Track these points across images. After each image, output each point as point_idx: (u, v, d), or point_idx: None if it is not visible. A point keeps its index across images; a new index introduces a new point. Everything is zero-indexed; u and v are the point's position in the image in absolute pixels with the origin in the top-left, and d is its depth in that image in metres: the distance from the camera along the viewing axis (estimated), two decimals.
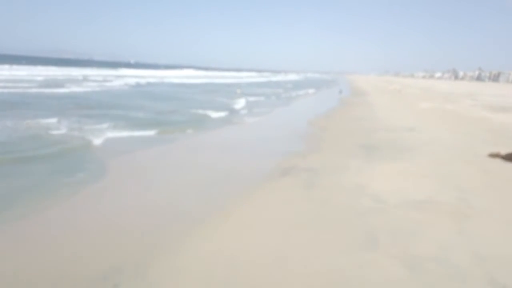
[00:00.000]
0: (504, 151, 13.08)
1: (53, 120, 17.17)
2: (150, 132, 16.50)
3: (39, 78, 47.60)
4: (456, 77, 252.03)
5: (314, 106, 35.85)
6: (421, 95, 51.80)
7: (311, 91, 60.16)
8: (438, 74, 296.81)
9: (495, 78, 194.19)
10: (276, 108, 30.21)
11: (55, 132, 14.91)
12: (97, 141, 13.74)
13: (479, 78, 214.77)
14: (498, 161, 12.42)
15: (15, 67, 71.88)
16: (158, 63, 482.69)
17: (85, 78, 45.06)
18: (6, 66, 69.82)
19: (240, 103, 31.30)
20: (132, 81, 55.16)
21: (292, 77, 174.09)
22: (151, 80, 62.34)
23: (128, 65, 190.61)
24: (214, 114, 23.32)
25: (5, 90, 31.41)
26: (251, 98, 37.24)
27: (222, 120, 21.97)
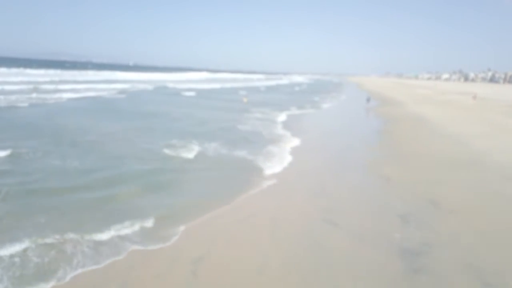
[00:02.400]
0: None
1: None
2: None
3: None
4: (466, 79, 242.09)
5: (353, 126, 26.70)
6: (494, 105, 42.34)
7: (333, 99, 50.70)
8: (445, 76, 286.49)
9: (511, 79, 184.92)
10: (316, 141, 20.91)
11: None
12: None
13: (492, 80, 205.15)
14: None
15: None
16: (158, 65, 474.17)
17: (36, 89, 34.96)
18: None
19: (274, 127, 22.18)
20: (116, 87, 45.82)
21: (298, 79, 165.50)
22: (141, 86, 52.80)
23: (126, 68, 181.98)
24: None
25: None
26: (280, 117, 27.82)
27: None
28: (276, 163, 13.04)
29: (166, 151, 13.78)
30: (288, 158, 13.87)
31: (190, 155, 13.43)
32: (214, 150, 14.52)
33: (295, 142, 16.96)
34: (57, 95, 30.93)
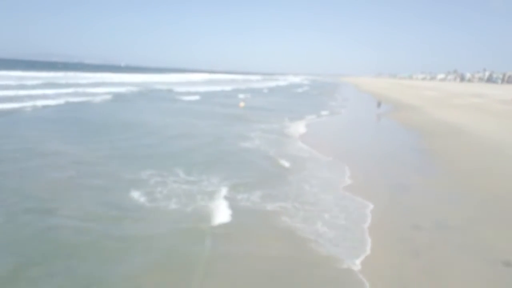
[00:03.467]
0: None
1: None
2: None
3: None
4: (462, 79, 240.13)
5: (383, 142, 23.05)
6: None
7: (340, 102, 46.95)
8: (440, 76, 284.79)
9: (511, 80, 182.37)
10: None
11: None
12: None
13: (490, 80, 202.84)
14: None
15: None
16: (150, 66, 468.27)
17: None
18: None
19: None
20: (104, 91, 41.68)
21: (295, 80, 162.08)
22: (134, 89, 48.58)
23: (117, 69, 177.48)
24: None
25: None
26: (295, 128, 24.24)
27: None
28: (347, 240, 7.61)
29: (124, 214, 8.38)
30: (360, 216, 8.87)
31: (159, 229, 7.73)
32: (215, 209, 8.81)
33: (336, 172, 13.10)
34: (31, 103, 26.77)
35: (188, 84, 73.38)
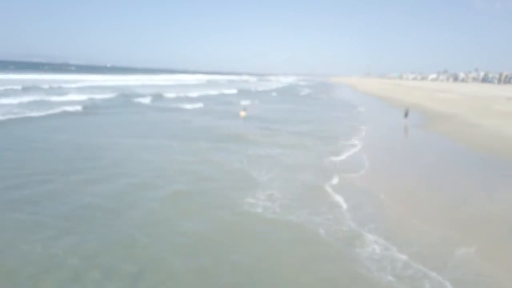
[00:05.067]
0: None
1: None
2: None
3: None
4: (456, 79, 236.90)
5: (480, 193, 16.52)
6: None
7: (352, 110, 40.60)
8: (432, 76, 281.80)
9: (508, 80, 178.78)
10: None
11: None
12: None
13: (485, 80, 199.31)
14: None
15: None
16: (137, 66, 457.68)
17: None
18: None
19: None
20: (78, 99, 34.62)
21: (289, 81, 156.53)
22: (100, 96, 41.28)
23: (102, 70, 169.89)
24: None
25: None
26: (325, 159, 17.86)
27: None
28: None
29: None
30: None
31: None
32: None
33: None
34: None
35: (179, 87, 66.38)
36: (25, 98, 30.89)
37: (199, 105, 35.41)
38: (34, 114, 23.91)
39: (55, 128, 20.02)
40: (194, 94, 48.84)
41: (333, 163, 14.65)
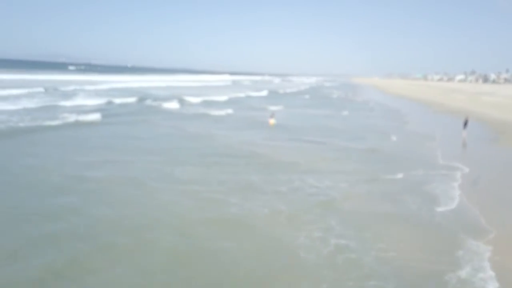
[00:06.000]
0: None
1: None
2: None
3: None
4: (486, 80, 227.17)
5: None
6: None
7: (402, 113, 36.39)
8: (459, 77, 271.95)
9: None
10: None
11: None
12: None
13: None
14: None
15: None
16: (157, 66, 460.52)
17: None
18: None
19: None
20: (95, 103, 31.81)
21: (311, 82, 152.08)
22: (119, 101, 38.35)
23: (123, 70, 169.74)
24: None
25: None
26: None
27: None
28: None
29: None
30: None
31: None
32: None
33: None
34: None
35: (204, 89, 63.38)
36: (38, 103, 28.24)
37: (228, 111, 32.00)
38: (46, 123, 20.99)
39: (55, 142, 16.96)
40: (221, 97, 45.54)
41: (443, 216, 9.66)
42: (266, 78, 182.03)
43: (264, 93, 61.36)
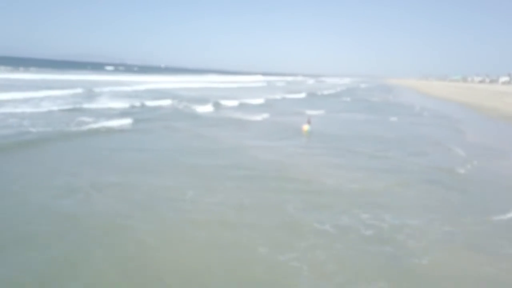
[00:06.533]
0: None
1: None
2: None
3: None
4: None
5: None
6: None
7: (454, 119, 32.91)
8: (503, 79, 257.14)
9: None
10: None
11: None
12: None
13: None
14: None
15: None
16: (189, 67, 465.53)
17: None
18: None
19: None
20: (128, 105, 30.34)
21: (346, 83, 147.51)
22: (153, 104, 36.89)
23: (156, 70, 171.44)
24: None
25: None
26: None
27: None
28: None
29: None
30: None
31: None
32: None
33: None
34: None
35: (237, 90, 61.59)
36: (66, 104, 26.97)
37: (264, 115, 29.80)
38: (66, 129, 19.34)
39: (65, 155, 15.10)
40: (256, 100, 43.37)
41: None
42: (299, 79, 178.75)
43: (302, 95, 58.75)
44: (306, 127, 22.67)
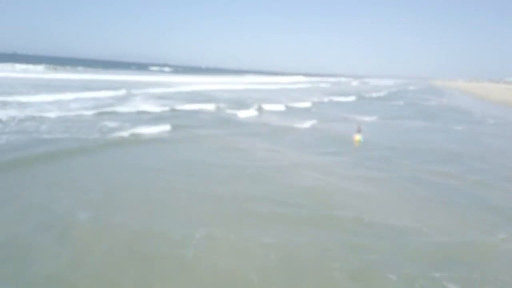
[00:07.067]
0: None
1: None
2: None
3: None
4: None
5: None
6: None
7: None
8: None
9: None
10: None
11: None
12: None
13: None
14: None
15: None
16: (229, 67, 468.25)
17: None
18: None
19: None
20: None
21: (389, 83, 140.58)
22: (193, 107, 34.73)
23: (197, 71, 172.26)
24: None
25: None
26: None
27: None
28: None
29: None
30: None
31: None
32: None
33: None
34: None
35: (280, 92, 58.93)
36: (97, 107, 25.31)
37: (312, 122, 26.94)
38: (91, 136, 17.33)
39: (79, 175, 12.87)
40: (302, 103, 40.47)
41: None
42: (342, 79, 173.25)
43: (351, 98, 55.09)
44: (357, 137, 20.00)
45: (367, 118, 30.77)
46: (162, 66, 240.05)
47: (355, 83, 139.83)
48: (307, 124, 25.93)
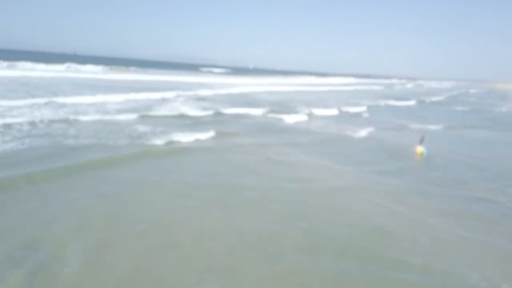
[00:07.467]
0: None
1: None
2: None
3: None
4: None
5: None
6: None
7: None
8: None
9: None
10: None
11: None
12: None
13: None
14: None
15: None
16: (276, 68, 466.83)
17: None
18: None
19: None
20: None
21: (447, 86, 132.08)
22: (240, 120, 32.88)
23: (245, 72, 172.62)
24: None
25: None
26: None
27: None
28: None
29: None
30: None
31: None
32: None
33: None
34: None
35: (331, 94, 56.24)
36: (137, 110, 24.33)
37: (369, 129, 24.50)
38: (119, 142, 16.10)
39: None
40: (356, 108, 37.87)
41: None
42: (395, 81, 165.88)
43: (410, 102, 51.32)
44: (420, 149, 17.53)
45: (429, 126, 27.73)
46: (211, 67, 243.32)
47: (409, 85, 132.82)
48: (363, 132, 23.48)
